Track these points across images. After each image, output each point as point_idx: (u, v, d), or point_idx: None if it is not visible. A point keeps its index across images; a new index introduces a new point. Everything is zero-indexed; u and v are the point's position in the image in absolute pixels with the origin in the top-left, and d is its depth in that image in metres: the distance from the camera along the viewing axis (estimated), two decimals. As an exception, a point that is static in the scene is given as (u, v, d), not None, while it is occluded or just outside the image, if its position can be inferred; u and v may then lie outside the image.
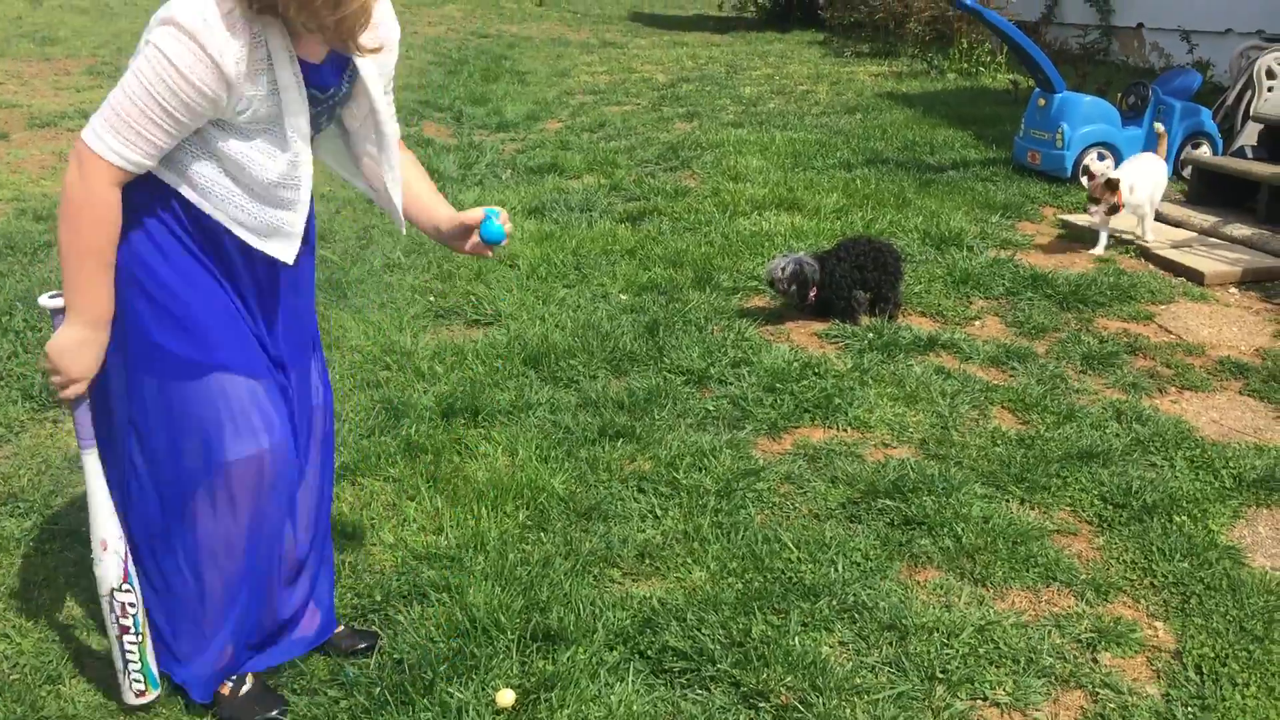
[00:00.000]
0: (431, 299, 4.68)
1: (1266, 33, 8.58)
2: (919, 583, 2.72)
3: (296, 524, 2.29)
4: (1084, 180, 5.46)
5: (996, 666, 2.41)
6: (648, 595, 2.63)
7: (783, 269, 4.34)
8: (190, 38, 1.77)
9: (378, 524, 2.95)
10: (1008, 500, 3.10)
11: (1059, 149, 6.47)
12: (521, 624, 2.48)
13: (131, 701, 2.21)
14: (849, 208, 6.02)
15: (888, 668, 2.39)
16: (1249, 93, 6.65)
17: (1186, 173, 6.57)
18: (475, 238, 2.23)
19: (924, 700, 2.30)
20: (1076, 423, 3.57)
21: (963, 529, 2.90)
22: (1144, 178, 5.35)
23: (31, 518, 2.96)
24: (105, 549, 2.10)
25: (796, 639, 2.44)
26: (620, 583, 2.71)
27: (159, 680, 2.23)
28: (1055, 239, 5.62)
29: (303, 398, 2.28)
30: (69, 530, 2.89)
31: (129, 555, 2.13)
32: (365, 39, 1.90)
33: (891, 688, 2.32)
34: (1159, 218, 5.88)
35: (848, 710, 2.25)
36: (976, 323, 4.53)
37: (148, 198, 1.94)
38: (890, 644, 2.47)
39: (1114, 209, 5.21)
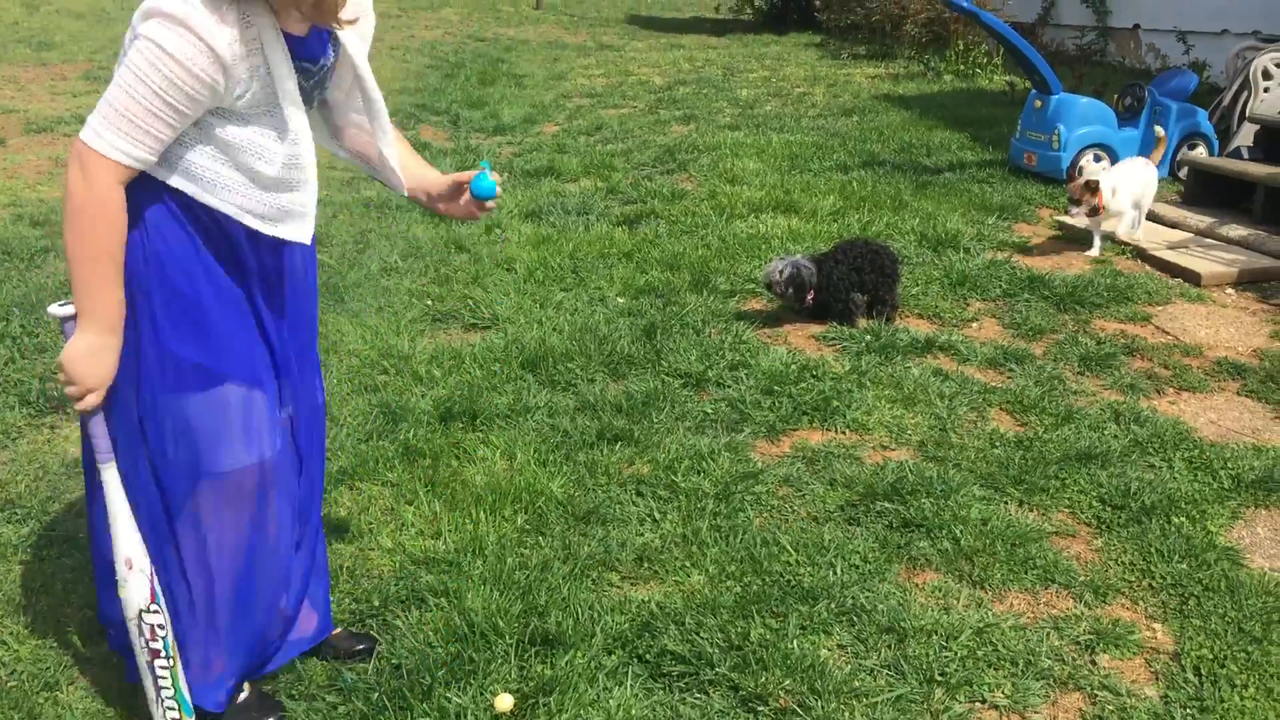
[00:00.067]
0: (429, 303, 4.68)
1: (1263, 33, 8.60)
2: (917, 585, 2.72)
3: (295, 529, 2.28)
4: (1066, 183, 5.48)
5: (995, 669, 2.41)
6: (646, 599, 2.62)
7: (780, 271, 4.35)
8: (180, 24, 1.75)
9: (375, 529, 2.95)
10: (1006, 502, 3.11)
11: (1055, 150, 6.48)
12: (520, 628, 2.48)
13: None
14: (846, 210, 6.02)
15: (886, 670, 2.39)
16: (1245, 93, 6.65)
17: (1183, 173, 6.58)
18: (466, 195, 2.23)
19: (923, 703, 2.30)
20: (1074, 424, 3.57)
21: (961, 531, 2.90)
22: (1129, 182, 5.35)
23: (29, 524, 2.96)
24: (131, 568, 1.99)
25: (795, 642, 2.44)
26: (619, 586, 2.71)
27: (193, 707, 2.12)
28: (1052, 240, 5.63)
29: (308, 394, 2.26)
30: (66, 536, 2.89)
31: (154, 573, 2.03)
32: (344, 12, 1.90)
33: (890, 691, 2.32)
34: (1155, 219, 5.89)
35: (846, 713, 2.25)
36: (974, 324, 4.54)
37: (146, 199, 1.91)
38: (889, 647, 2.47)
39: (1094, 210, 5.22)
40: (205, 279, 1.99)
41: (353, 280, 4.89)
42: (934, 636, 2.49)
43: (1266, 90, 6.54)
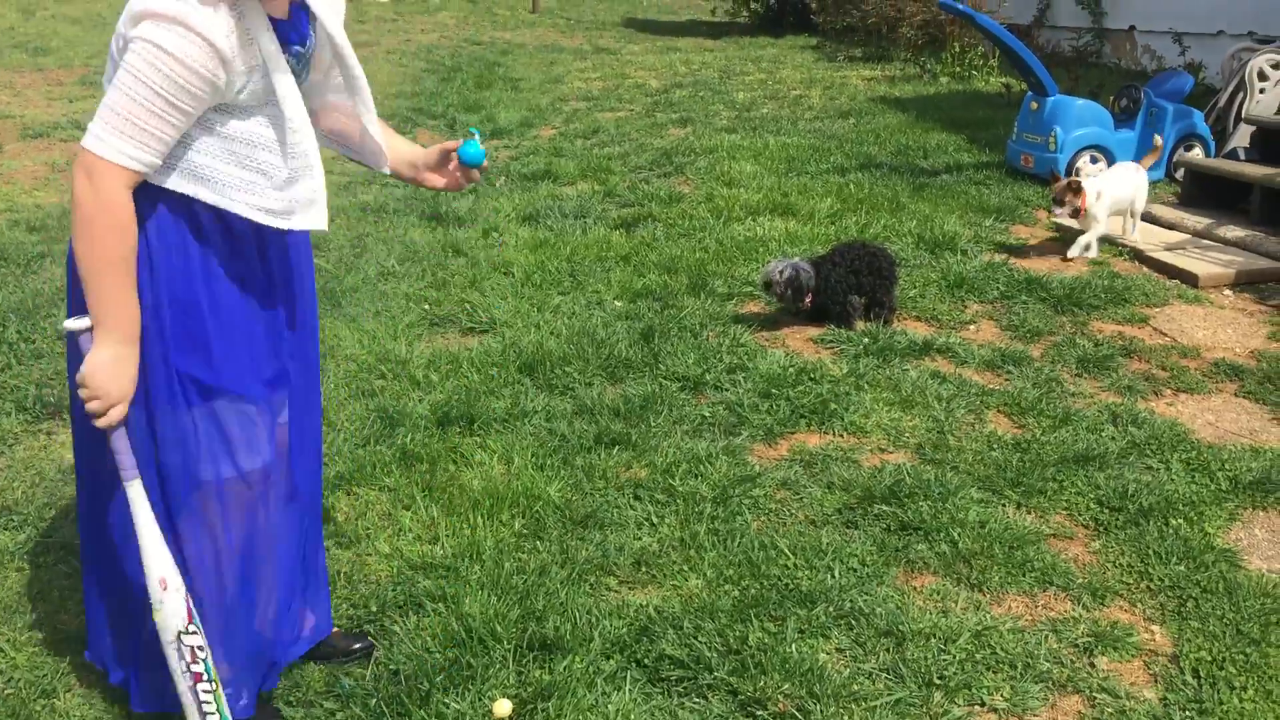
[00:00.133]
0: (426, 307, 4.68)
1: (1258, 34, 8.62)
2: (916, 588, 2.72)
3: (292, 537, 2.27)
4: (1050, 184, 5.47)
5: (993, 672, 2.41)
6: (644, 603, 2.62)
7: (778, 274, 4.34)
8: (178, 23, 1.74)
9: (373, 534, 2.94)
10: (1004, 504, 3.10)
11: (1052, 152, 6.49)
12: (518, 633, 2.47)
13: None
14: (843, 212, 6.02)
15: (885, 674, 2.39)
16: (1241, 95, 6.66)
17: (1179, 175, 6.59)
18: (454, 162, 2.23)
19: (921, 707, 2.30)
20: (1072, 426, 3.57)
21: (959, 534, 2.90)
22: (1114, 186, 5.35)
23: (25, 531, 2.95)
24: (165, 588, 1.91)
25: (793, 646, 2.44)
26: (617, 591, 2.71)
27: None
28: (1049, 242, 5.63)
29: (305, 399, 2.25)
30: (63, 543, 2.88)
31: (189, 593, 1.96)
32: None
33: (889, 694, 2.32)
34: (1152, 220, 5.89)
35: (845, 717, 2.25)
36: (971, 327, 4.54)
37: (149, 206, 1.89)
38: (887, 650, 2.47)
39: (1076, 212, 5.22)
40: (204, 286, 1.97)
41: (350, 285, 4.89)
42: (932, 639, 2.49)
43: (1262, 91, 6.55)
